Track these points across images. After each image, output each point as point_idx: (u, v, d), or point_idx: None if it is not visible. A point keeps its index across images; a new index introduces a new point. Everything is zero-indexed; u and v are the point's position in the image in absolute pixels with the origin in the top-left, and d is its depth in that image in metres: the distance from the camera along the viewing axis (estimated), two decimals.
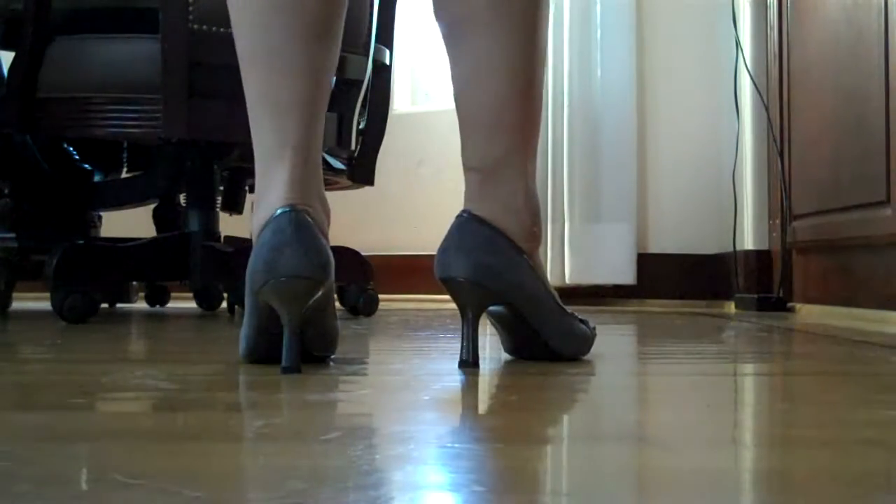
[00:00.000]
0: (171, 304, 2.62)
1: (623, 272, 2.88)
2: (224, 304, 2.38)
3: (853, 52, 2.06)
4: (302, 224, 0.97)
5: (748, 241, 2.68)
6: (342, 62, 1.85)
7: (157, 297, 2.60)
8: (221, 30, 1.82)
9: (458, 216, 1.03)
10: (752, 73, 2.63)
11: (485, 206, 1.03)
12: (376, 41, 2.08)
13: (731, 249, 2.74)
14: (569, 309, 1.10)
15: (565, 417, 0.74)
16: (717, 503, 0.48)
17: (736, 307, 2.65)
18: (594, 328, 1.13)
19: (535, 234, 1.06)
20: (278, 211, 0.98)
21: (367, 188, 2.27)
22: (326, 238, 1.00)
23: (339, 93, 1.97)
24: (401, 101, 3.46)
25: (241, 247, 1.97)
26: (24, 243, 2.09)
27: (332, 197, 1.13)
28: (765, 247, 2.64)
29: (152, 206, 2.36)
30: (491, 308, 1.05)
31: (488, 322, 1.13)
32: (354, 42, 2.00)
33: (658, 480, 0.54)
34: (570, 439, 0.64)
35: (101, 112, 1.85)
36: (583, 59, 2.90)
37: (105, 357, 1.25)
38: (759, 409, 0.86)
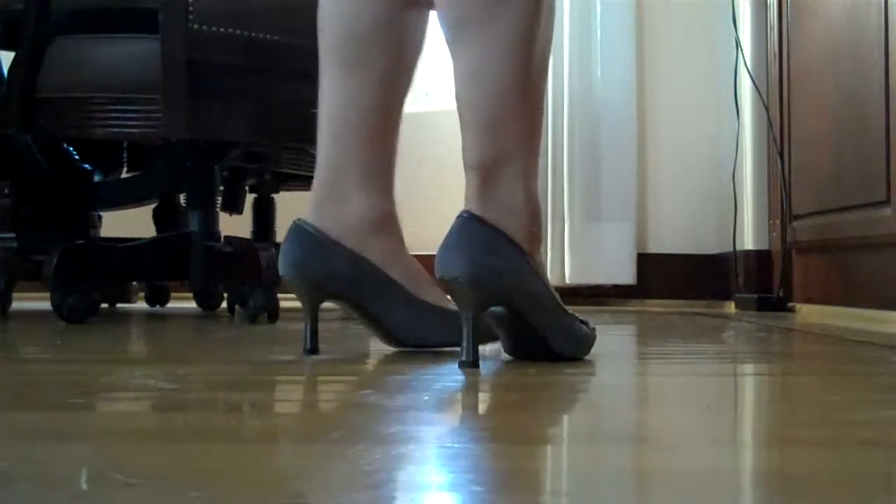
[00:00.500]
0: (171, 304, 2.61)
1: (623, 272, 2.88)
2: (224, 304, 2.38)
3: (853, 52, 2.06)
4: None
5: (748, 241, 2.68)
6: None
7: (157, 297, 2.60)
8: (221, 30, 1.82)
9: (459, 216, 1.04)
10: (752, 73, 2.63)
11: (485, 206, 1.03)
12: None
13: (731, 249, 2.74)
14: (569, 309, 1.10)
15: (565, 417, 0.74)
16: (716, 503, 0.48)
17: (736, 307, 2.65)
18: (594, 329, 1.13)
19: (534, 234, 1.06)
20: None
21: None
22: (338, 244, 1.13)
23: None
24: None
25: (241, 247, 1.97)
26: (24, 243, 2.09)
27: None
28: (765, 247, 2.64)
29: (152, 206, 2.36)
30: (491, 308, 1.05)
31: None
32: None
33: (658, 480, 0.54)
34: (569, 439, 0.64)
35: (101, 112, 1.85)
36: (583, 59, 2.90)
37: (105, 357, 1.25)
38: (759, 409, 0.86)
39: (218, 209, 2.08)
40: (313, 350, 1.15)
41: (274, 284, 1.78)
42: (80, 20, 1.92)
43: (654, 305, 2.87)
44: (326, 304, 1.18)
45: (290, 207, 2.16)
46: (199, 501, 0.46)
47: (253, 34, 1.85)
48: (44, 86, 1.87)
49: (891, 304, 1.92)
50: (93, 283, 1.85)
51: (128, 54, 1.86)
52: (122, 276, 2.14)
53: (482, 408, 0.82)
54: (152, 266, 1.98)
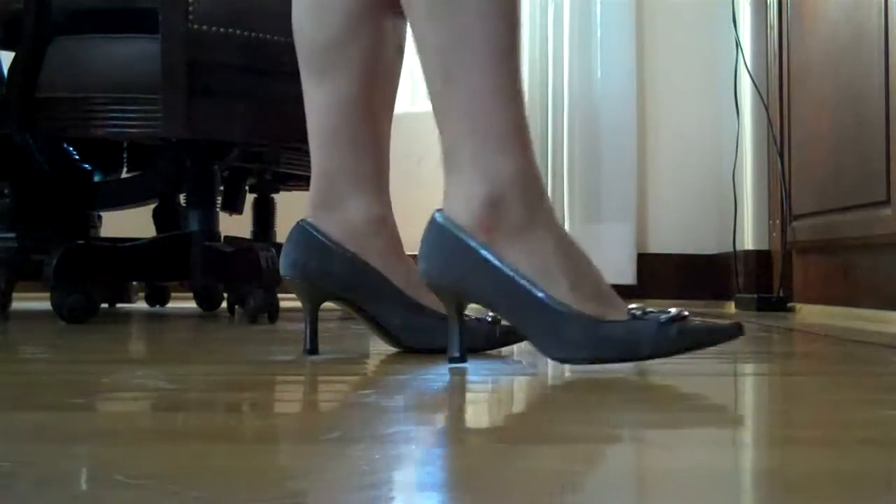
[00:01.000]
0: (171, 304, 2.62)
1: (623, 272, 2.88)
2: (224, 304, 2.38)
3: (853, 52, 2.06)
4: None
5: (748, 241, 2.68)
6: None
7: (157, 297, 2.60)
8: (221, 30, 1.82)
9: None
10: (752, 73, 2.63)
11: (446, 200, 1.02)
12: None
13: (731, 249, 2.74)
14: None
15: (565, 417, 0.74)
16: (716, 503, 0.48)
17: (736, 307, 2.65)
18: (669, 320, 0.96)
19: (489, 224, 0.98)
20: None
21: None
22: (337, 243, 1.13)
23: None
24: (401, 101, 3.45)
25: (241, 247, 1.97)
26: (24, 243, 2.09)
27: None
28: (765, 247, 2.64)
29: (152, 206, 2.36)
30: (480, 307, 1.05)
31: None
32: None
33: (658, 480, 0.54)
34: (569, 439, 0.64)
35: (101, 112, 1.85)
36: (583, 59, 2.90)
37: (105, 357, 1.25)
38: (759, 409, 0.86)
39: (218, 209, 2.08)
40: (313, 350, 1.15)
41: (274, 284, 1.78)
42: (80, 20, 1.92)
43: (655, 306, 2.87)
44: (326, 304, 1.18)
45: (290, 207, 2.16)
46: (199, 501, 0.46)
47: (253, 34, 1.85)
48: (44, 86, 1.87)
49: (891, 304, 1.92)
50: (93, 283, 1.85)
51: (128, 54, 1.86)
52: (122, 276, 2.14)
53: (482, 408, 0.82)
54: (152, 266, 1.98)
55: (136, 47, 1.85)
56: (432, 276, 1.00)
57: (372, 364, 1.14)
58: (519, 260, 0.97)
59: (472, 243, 0.98)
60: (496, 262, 0.97)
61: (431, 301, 1.13)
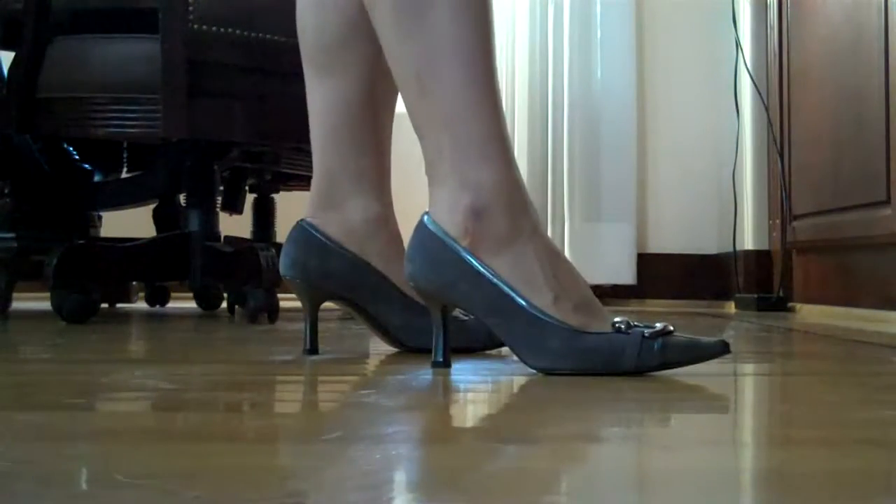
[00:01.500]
0: (171, 304, 2.62)
1: (623, 272, 2.89)
2: (224, 304, 2.38)
3: (853, 51, 2.06)
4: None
5: (748, 241, 2.68)
6: None
7: (157, 297, 2.60)
8: (221, 30, 1.82)
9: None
10: (752, 73, 2.63)
11: (431, 206, 1.02)
12: None
13: (731, 249, 2.74)
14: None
15: (564, 417, 0.74)
16: (716, 503, 0.48)
17: (736, 307, 2.65)
18: (652, 335, 0.95)
19: (473, 234, 0.97)
20: None
21: None
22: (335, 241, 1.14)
23: None
24: (401, 101, 3.45)
25: (241, 247, 1.97)
26: (24, 243, 2.09)
27: None
28: (765, 247, 2.64)
29: (152, 206, 2.36)
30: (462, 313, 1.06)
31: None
32: None
33: (658, 480, 0.54)
34: (569, 439, 0.64)
35: (101, 112, 1.85)
36: (583, 59, 2.90)
37: (105, 357, 1.25)
38: (759, 409, 0.86)
39: (218, 209, 2.08)
40: (313, 350, 1.15)
41: (274, 284, 1.78)
42: (80, 20, 1.92)
43: (654, 306, 2.88)
44: (326, 304, 1.18)
45: (290, 207, 2.16)
46: (199, 501, 0.46)
47: (253, 34, 1.85)
48: (44, 86, 1.87)
49: (891, 304, 1.93)
50: (93, 283, 1.85)
51: (128, 54, 1.86)
52: (122, 276, 2.14)
53: (482, 408, 0.82)
54: (152, 266, 1.98)
55: (136, 47, 1.85)
56: (418, 279, 1.00)
57: (372, 364, 1.15)
58: (503, 269, 0.97)
59: (458, 249, 0.98)
60: (481, 269, 0.97)
61: None
